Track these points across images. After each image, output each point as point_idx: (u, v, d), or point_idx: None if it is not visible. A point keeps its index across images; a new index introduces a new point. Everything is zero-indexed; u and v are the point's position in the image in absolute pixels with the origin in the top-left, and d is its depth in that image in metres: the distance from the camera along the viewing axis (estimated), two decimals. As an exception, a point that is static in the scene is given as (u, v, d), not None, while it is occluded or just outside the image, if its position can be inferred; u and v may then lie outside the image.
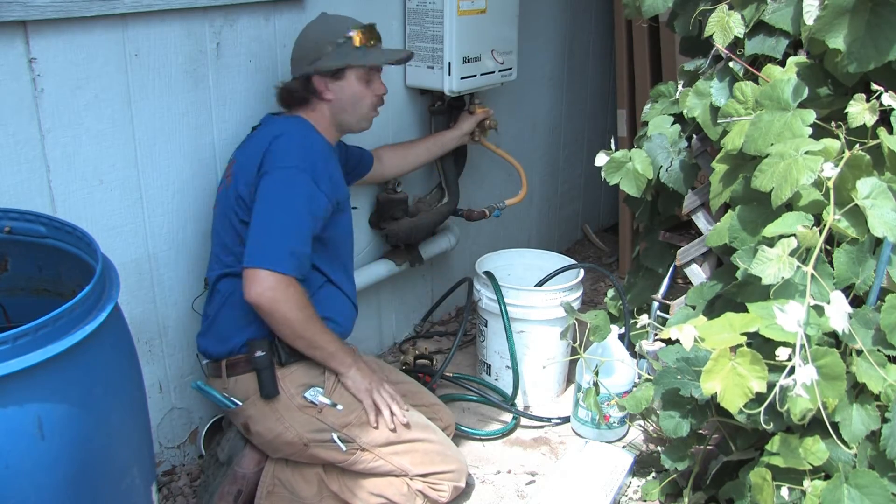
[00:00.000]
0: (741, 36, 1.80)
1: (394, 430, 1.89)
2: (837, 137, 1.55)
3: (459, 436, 2.29)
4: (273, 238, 1.77)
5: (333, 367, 1.89)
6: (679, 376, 1.76)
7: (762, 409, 1.41)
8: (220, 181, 1.97)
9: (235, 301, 1.85)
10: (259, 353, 1.81)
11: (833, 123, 1.58)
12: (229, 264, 1.87)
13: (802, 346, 1.36)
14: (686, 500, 1.88)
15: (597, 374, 2.14)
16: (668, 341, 1.84)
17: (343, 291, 1.99)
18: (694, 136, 2.06)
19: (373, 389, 1.90)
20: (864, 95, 1.55)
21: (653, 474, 2.11)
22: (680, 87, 2.09)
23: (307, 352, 1.86)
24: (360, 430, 1.87)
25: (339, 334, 2.00)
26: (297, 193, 1.79)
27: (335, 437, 1.85)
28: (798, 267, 1.43)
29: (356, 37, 1.91)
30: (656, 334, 2.22)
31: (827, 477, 1.53)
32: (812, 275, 1.44)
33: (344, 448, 1.85)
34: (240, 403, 1.86)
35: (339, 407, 1.85)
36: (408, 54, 2.08)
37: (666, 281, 2.30)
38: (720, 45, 1.82)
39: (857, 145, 1.53)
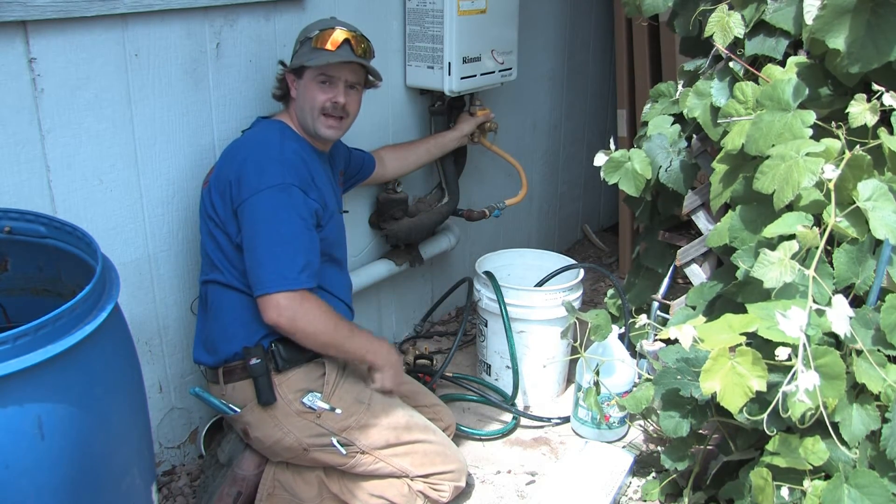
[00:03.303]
0: (741, 36, 1.80)
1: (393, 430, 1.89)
2: (838, 138, 1.55)
3: (459, 436, 2.29)
4: (278, 259, 1.74)
5: (369, 361, 1.92)
6: (679, 376, 1.76)
7: (766, 415, 1.41)
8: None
9: (220, 312, 1.85)
10: (254, 361, 1.81)
11: (834, 124, 1.58)
12: (211, 270, 1.87)
13: (805, 350, 1.36)
14: (686, 500, 1.88)
15: (597, 373, 2.14)
16: (669, 341, 1.85)
17: (335, 296, 1.98)
18: (694, 136, 2.06)
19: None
20: (864, 96, 1.55)
21: (653, 474, 2.11)
22: (680, 87, 2.09)
23: (339, 356, 1.89)
24: (359, 433, 1.86)
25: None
26: (286, 207, 1.76)
27: (335, 440, 1.84)
28: (798, 270, 1.43)
29: (315, 37, 1.86)
30: (656, 334, 2.22)
31: (827, 477, 1.53)
32: (813, 277, 1.44)
33: (344, 451, 1.85)
34: (238, 410, 1.85)
35: (338, 411, 1.84)
36: (359, 63, 1.88)
37: (666, 281, 2.30)
38: (720, 45, 1.82)
39: (857, 146, 1.53)
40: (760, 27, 1.79)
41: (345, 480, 1.91)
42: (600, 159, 2.08)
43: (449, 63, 2.40)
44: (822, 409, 1.36)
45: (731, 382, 1.43)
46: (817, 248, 1.46)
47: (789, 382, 1.34)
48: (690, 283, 2.13)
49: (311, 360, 1.89)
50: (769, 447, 1.57)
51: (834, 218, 1.47)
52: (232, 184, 1.79)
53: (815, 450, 1.51)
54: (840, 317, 1.36)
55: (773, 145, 1.57)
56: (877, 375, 1.47)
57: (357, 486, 1.90)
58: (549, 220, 3.62)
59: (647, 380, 1.96)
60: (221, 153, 1.90)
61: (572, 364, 2.54)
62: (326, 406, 1.84)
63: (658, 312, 2.26)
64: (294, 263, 1.74)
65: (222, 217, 1.81)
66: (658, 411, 1.87)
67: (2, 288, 1.55)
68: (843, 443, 1.50)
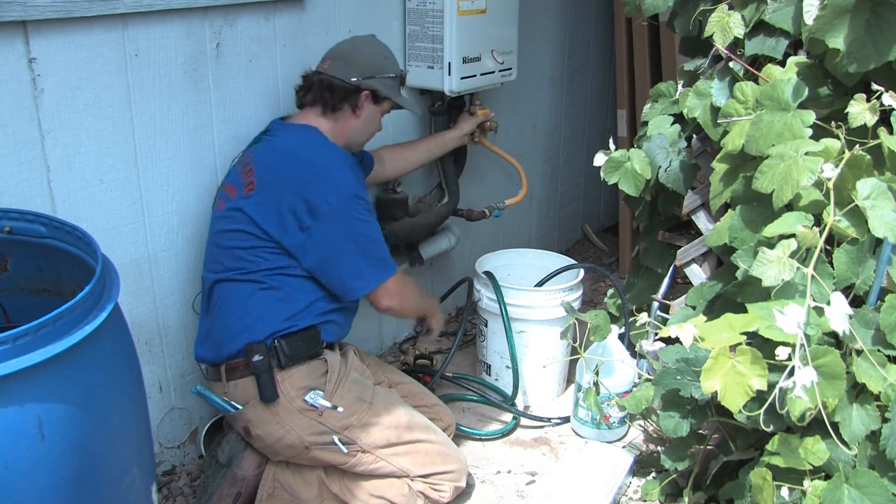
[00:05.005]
0: (741, 36, 1.80)
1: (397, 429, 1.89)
2: (838, 138, 1.55)
3: (459, 436, 2.29)
4: (374, 254, 1.91)
5: (429, 315, 2.24)
6: (679, 376, 1.76)
7: (762, 410, 1.41)
8: (235, 182, 1.88)
9: (228, 308, 1.85)
10: (257, 358, 1.81)
11: (833, 123, 1.58)
12: (229, 269, 1.85)
13: (802, 347, 1.36)
14: (686, 500, 1.88)
15: (597, 373, 2.14)
16: (669, 341, 1.85)
17: None
18: (694, 136, 2.06)
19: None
20: (864, 95, 1.55)
21: (653, 474, 2.11)
22: (680, 87, 2.09)
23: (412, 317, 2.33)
24: (360, 432, 1.87)
25: (339, 335, 2.00)
26: (365, 209, 1.89)
27: (336, 439, 1.84)
28: (798, 268, 1.43)
29: (403, 76, 2.09)
30: (656, 334, 2.22)
31: (827, 477, 1.53)
32: (812, 275, 1.44)
33: (345, 450, 1.85)
34: (240, 408, 1.85)
35: (340, 409, 1.85)
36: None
37: (666, 281, 2.30)
38: (720, 45, 1.82)
39: (857, 145, 1.53)
40: (760, 27, 1.79)
41: (345, 480, 1.91)
42: (600, 159, 2.08)
43: (449, 63, 2.40)
44: (821, 408, 1.37)
45: (731, 381, 1.43)
46: (817, 247, 1.45)
47: (786, 378, 1.34)
48: (690, 283, 2.13)
49: (313, 358, 1.89)
50: (769, 447, 1.57)
51: (833, 217, 1.47)
52: (300, 193, 1.80)
53: (815, 450, 1.51)
54: (838, 315, 1.36)
55: (773, 145, 1.57)
56: (877, 375, 1.47)
57: (357, 485, 1.90)
58: (549, 220, 3.63)
59: (647, 380, 1.96)
60: (251, 148, 1.92)
61: (572, 364, 2.54)
62: (328, 404, 1.84)
63: (658, 312, 2.26)
64: (386, 253, 1.94)
65: (275, 219, 1.80)
66: (658, 411, 1.87)
67: (2, 288, 1.55)
68: (843, 443, 1.50)
